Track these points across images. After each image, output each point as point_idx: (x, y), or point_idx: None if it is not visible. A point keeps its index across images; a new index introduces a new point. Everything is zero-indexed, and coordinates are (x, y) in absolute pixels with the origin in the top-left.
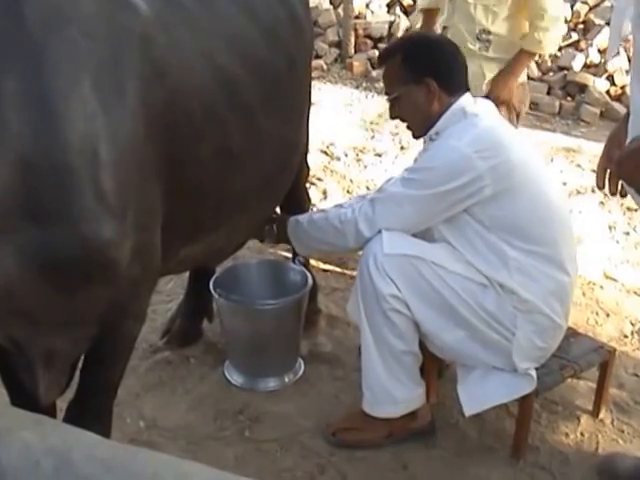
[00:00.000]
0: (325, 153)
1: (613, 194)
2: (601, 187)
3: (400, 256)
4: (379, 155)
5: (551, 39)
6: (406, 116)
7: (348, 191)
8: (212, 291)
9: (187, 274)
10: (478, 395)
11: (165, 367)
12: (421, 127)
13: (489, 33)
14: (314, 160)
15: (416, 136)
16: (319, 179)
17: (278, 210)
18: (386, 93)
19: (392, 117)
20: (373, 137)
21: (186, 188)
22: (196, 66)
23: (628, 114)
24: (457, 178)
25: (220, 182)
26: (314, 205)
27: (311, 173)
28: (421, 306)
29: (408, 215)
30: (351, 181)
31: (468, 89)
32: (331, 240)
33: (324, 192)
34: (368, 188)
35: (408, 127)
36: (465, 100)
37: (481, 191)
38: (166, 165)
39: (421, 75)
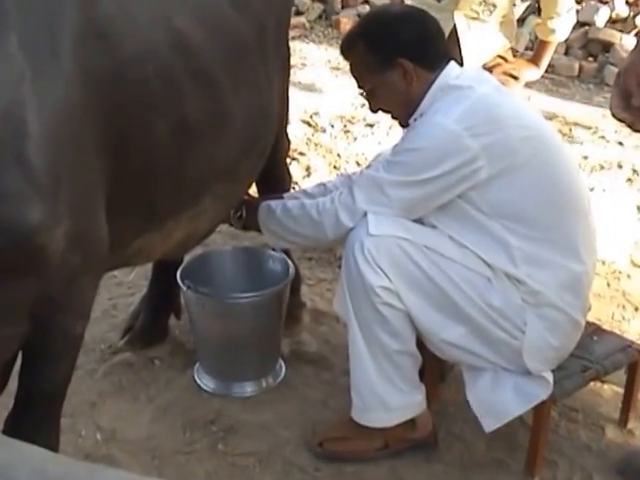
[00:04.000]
0: (308, 124)
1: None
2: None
3: (387, 237)
4: (370, 125)
5: (565, 26)
6: (387, 106)
7: (335, 167)
8: (180, 282)
9: (151, 263)
10: (494, 405)
11: (126, 370)
12: (406, 113)
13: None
14: (295, 132)
15: (404, 124)
16: (301, 154)
17: (254, 191)
18: (359, 87)
19: (373, 111)
20: (364, 105)
21: (136, 167)
22: (148, 28)
23: None
24: (446, 160)
25: (178, 161)
26: (296, 183)
27: (292, 147)
28: (415, 298)
29: (393, 204)
30: (338, 155)
31: (450, 59)
32: (307, 232)
33: (307, 168)
34: (358, 163)
35: (393, 117)
36: (449, 72)
37: (476, 174)
38: (110, 139)
39: (391, 57)
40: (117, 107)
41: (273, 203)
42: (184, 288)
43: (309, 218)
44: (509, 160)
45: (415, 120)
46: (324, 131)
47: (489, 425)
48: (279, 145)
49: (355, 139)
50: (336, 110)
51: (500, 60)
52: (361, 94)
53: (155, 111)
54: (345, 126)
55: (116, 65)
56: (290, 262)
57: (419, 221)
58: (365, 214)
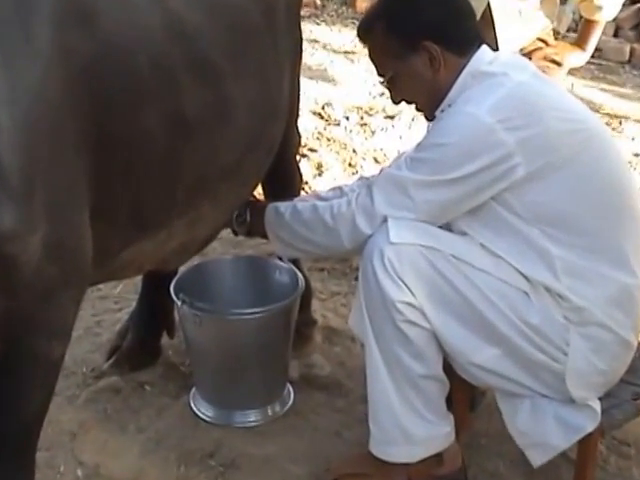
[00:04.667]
0: (320, 116)
1: None
2: None
3: (410, 246)
4: (391, 117)
5: (613, 3)
6: (411, 96)
7: (350, 164)
8: (173, 296)
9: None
10: (537, 437)
11: (112, 397)
12: (433, 104)
13: None
14: (306, 126)
15: (429, 117)
16: (312, 150)
17: (260, 192)
18: (378, 74)
19: (395, 101)
20: (383, 94)
21: (124, 167)
22: (139, 9)
23: None
24: (478, 157)
25: (173, 160)
26: (306, 183)
27: (303, 142)
28: (442, 316)
29: (418, 207)
30: (354, 152)
31: (482, 42)
32: (320, 239)
33: (319, 166)
34: (377, 161)
35: (418, 108)
36: (481, 57)
37: (511, 173)
38: (95, 135)
39: (415, 40)
40: (103, 98)
41: (282, 205)
42: (178, 303)
43: (322, 223)
44: (549, 157)
45: (442, 112)
46: (338, 124)
47: (536, 460)
48: (288, 140)
49: (373, 133)
50: (351, 100)
51: (540, 43)
52: (381, 82)
53: (147, 103)
54: (362, 118)
55: (102, 51)
56: (299, 273)
57: (447, 227)
58: (385, 219)
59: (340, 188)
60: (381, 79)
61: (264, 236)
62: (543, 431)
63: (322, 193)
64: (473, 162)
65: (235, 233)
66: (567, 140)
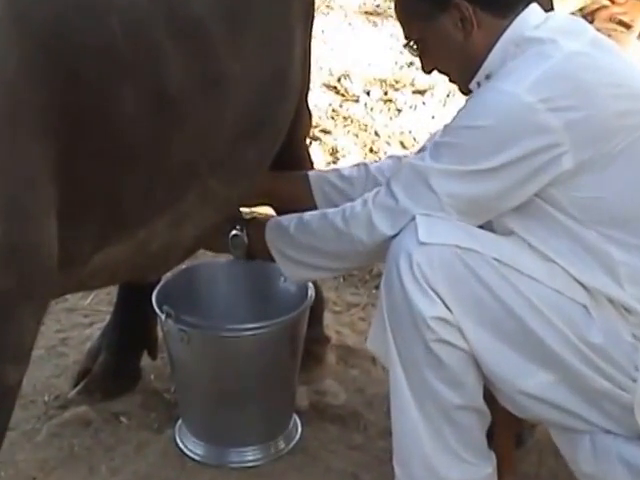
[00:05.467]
0: (335, 90)
1: None
2: None
3: (444, 247)
4: (421, 92)
5: None
6: (442, 64)
7: (372, 150)
8: (156, 308)
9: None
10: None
11: (81, 431)
12: (466, 74)
13: None
14: (317, 102)
15: (465, 90)
16: (326, 131)
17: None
18: (406, 39)
19: (426, 71)
20: (412, 64)
21: (95, 154)
22: None
23: None
24: (515, 144)
25: (154, 146)
26: None
27: (314, 122)
28: (483, 334)
29: (442, 203)
30: (376, 134)
31: (531, 0)
32: (332, 248)
33: (334, 151)
34: (404, 145)
35: (452, 80)
36: (526, 19)
37: (557, 163)
38: (59, 116)
39: None
40: (68, 72)
41: (284, 219)
42: (162, 316)
43: (333, 228)
44: (604, 144)
45: (479, 85)
46: (357, 100)
47: None
48: (297, 120)
49: (399, 111)
50: (373, 71)
51: (605, 1)
52: (408, 47)
53: (122, 78)
54: (386, 93)
55: (67, 15)
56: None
57: (488, 226)
58: (412, 217)
59: (366, 166)
60: (407, 42)
61: (267, 256)
62: (606, 474)
63: (345, 170)
64: (509, 150)
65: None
66: (624, 123)
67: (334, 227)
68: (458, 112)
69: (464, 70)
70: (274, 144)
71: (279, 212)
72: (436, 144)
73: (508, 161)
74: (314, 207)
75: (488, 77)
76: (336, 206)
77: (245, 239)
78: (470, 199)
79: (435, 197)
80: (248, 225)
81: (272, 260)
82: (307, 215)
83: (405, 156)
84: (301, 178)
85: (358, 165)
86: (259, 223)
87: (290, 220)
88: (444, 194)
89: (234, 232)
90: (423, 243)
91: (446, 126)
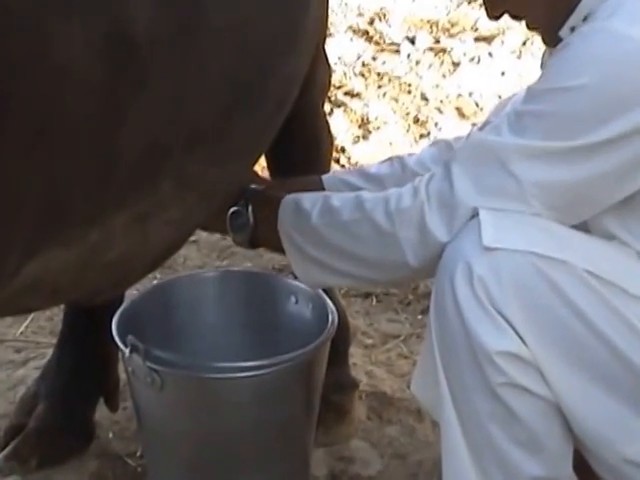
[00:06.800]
0: (367, 37)
1: None
2: None
3: (517, 255)
4: (486, 39)
5: None
6: (519, 3)
7: (417, 120)
8: (117, 340)
9: (62, 306)
10: None
11: None
12: (554, 17)
13: None
14: (343, 53)
15: (551, 39)
16: (352, 94)
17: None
18: None
19: (494, 16)
20: (471, 2)
21: (30, 129)
22: None
23: None
24: (629, 110)
25: (109, 114)
26: (342, 151)
27: (337, 80)
28: (574, 377)
29: (527, 193)
30: (424, 98)
31: None
32: (367, 252)
33: (364, 122)
34: (463, 114)
35: (530, 25)
36: None
37: None
38: None
39: None
40: None
41: (305, 198)
42: (125, 351)
43: (372, 225)
44: None
45: (572, 30)
46: (396, 51)
47: None
48: (312, 78)
49: (456, 65)
50: (419, 11)
51: None
52: None
53: (67, 15)
54: (437, 41)
55: None
56: (329, 301)
57: (581, 227)
58: (475, 213)
59: (401, 160)
60: None
61: (278, 248)
62: None
63: (371, 169)
64: (622, 118)
65: (235, 240)
66: None
67: (373, 223)
68: (546, 67)
69: (552, 10)
70: (277, 113)
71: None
72: (518, 113)
73: (620, 133)
74: None
75: (585, 18)
76: None
77: (250, 218)
78: (565, 188)
79: (516, 185)
80: (254, 200)
81: (281, 251)
82: (337, 199)
83: (459, 137)
84: (313, 183)
85: (390, 160)
86: (271, 198)
87: (314, 202)
88: (529, 181)
89: (235, 207)
90: (488, 249)
91: (530, 88)
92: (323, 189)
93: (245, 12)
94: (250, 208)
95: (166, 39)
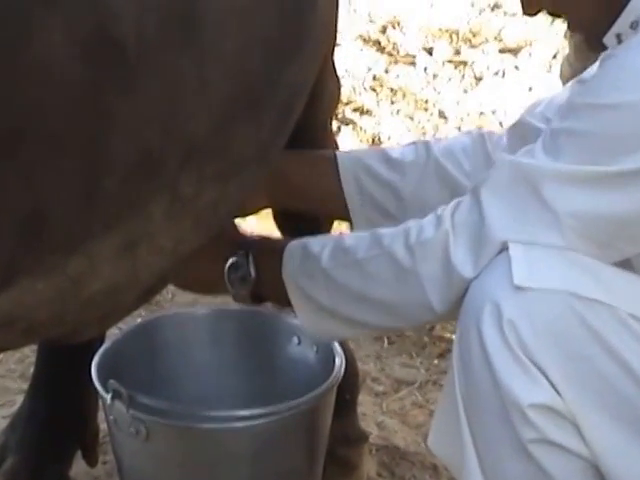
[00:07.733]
0: (379, 47)
1: None
2: None
3: (552, 296)
4: (512, 51)
5: None
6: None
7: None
8: (97, 385)
9: (34, 346)
10: None
11: None
12: (602, 16)
13: None
14: (352, 65)
15: (595, 45)
16: (363, 111)
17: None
18: None
19: (530, 12)
20: (496, 7)
21: (5, 138)
22: None
23: None
24: None
25: (92, 121)
26: None
27: (346, 94)
28: (615, 433)
29: (564, 225)
30: (442, 115)
31: None
32: (386, 294)
33: (374, 141)
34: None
35: (572, 27)
36: None
37: None
38: None
39: None
40: None
41: (313, 242)
42: (106, 397)
43: (390, 263)
44: None
45: (619, 38)
46: (412, 63)
47: None
48: (318, 92)
49: (478, 80)
50: (437, 19)
51: None
52: None
53: (41, 11)
54: (457, 52)
55: None
56: (336, 344)
57: (624, 265)
58: (505, 248)
59: (426, 145)
60: None
61: (285, 301)
62: None
63: (393, 152)
64: None
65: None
66: None
67: (392, 258)
68: (586, 80)
69: (599, 9)
70: (283, 123)
71: (292, 226)
72: (553, 132)
73: None
74: (341, 207)
75: (635, 26)
76: (376, 207)
77: (251, 270)
78: (606, 220)
79: (551, 215)
80: (256, 249)
81: (288, 304)
82: (349, 238)
83: (492, 132)
84: (324, 160)
85: (415, 144)
86: (272, 246)
87: (323, 244)
88: (565, 211)
89: (234, 258)
90: (520, 288)
91: (569, 102)
92: (335, 168)
93: (245, 10)
94: (251, 258)
95: (157, 39)
